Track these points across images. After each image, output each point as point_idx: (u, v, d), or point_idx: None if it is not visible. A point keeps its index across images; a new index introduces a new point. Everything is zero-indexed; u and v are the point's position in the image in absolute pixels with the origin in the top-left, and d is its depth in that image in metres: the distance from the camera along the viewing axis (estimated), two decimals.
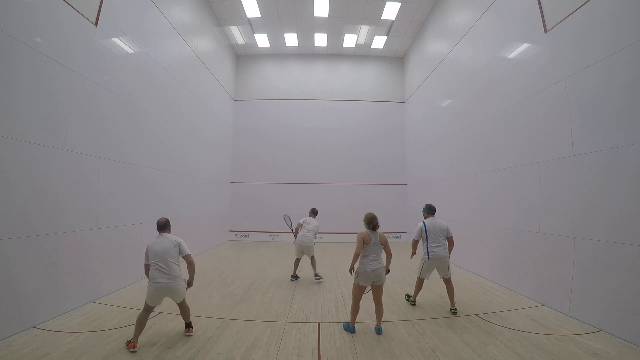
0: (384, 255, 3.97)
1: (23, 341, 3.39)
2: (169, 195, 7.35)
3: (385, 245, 3.94)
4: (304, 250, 6.33)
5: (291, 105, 12.99)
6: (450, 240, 4.68)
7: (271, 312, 4.56)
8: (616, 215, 3.80)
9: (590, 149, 4.20)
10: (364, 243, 3.85)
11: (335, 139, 12.81)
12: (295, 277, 6.40)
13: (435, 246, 4.58)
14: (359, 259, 3.89)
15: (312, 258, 6.41)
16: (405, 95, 12.98)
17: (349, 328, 3.93)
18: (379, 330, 3.89)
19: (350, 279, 6.50)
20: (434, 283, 5.52)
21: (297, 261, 6.45)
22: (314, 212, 6.79)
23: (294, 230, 6.44)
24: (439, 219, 4.78)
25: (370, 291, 3.95)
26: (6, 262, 3.50)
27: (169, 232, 3.83)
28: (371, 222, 3.90)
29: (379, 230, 3.95)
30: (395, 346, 3.51)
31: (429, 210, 4.82)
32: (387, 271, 3.95)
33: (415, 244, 4.79)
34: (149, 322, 4.05)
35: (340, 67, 13.23)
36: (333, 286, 6.01)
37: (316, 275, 6.34)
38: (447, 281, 4.63)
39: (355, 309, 3.91)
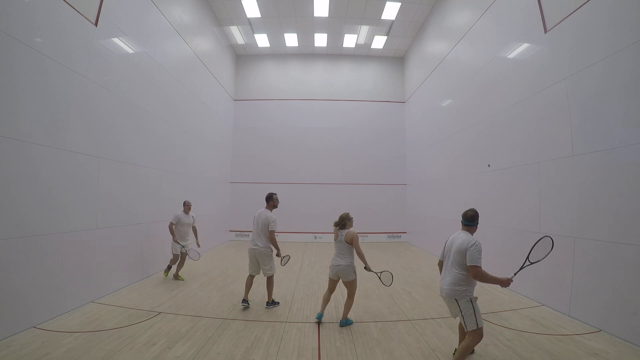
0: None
1: (23, 341, 3.38)
2: (169, 195, 7.35)
3: (351, 243, 4.07)
4: (258, 261, 4.62)
5: (291, 105, 12.99)
6: (471, 271, 2.82)
7: (271, 312, 4.56)
8: (616, 215, 3.80)
9: (590, 149, 4.20)
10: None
11: (335, 139, 12.81)
12: (246, 302, 4.59)
13: (444, 275, 3.10)
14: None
15: (269, 279, 4.66)
16: (405, 95, 12.98)
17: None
18: (341, 323, 4.08)
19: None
20: (435, 286, 5.50)
21: (251, 279, 4.69)
22: (266, 198, 4.81)
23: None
24: (467, 234, 3.02)
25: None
26: (6, 262, 3.49)
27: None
28: (340, 221, 4.22)
29: (348, 229, 4.18)
30: (395, 346, 3.51)
31: (463, 220, 3.13)
32: (366, 268, 4.05)
33: (440, 265, 3.26)
34: (148, 322, 4.07)
35: (340, 67, 13.23)
36: None
37: (270, 302, 4.67)
38: (463, 333, 3.11)
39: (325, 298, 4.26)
